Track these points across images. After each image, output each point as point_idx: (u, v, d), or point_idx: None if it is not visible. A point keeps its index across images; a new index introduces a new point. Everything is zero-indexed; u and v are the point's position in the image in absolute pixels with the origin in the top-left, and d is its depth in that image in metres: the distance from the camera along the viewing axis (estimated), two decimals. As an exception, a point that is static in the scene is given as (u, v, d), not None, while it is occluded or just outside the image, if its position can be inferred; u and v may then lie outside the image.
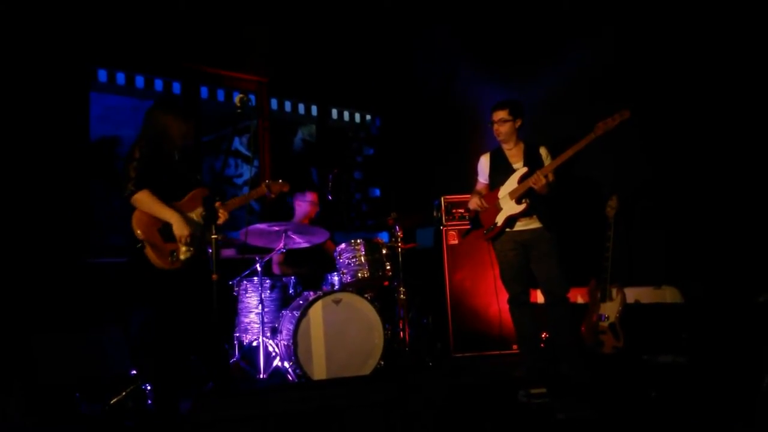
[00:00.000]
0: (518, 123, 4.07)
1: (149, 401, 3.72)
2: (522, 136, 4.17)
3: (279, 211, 5.60)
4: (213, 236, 2.98)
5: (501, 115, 4.04)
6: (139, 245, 3.17)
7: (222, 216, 3.35)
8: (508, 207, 3.99)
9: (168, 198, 3.26)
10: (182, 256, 3.19)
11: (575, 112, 5.00)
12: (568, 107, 5.21)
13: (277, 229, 4.32)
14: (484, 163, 4.26)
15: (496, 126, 4.07)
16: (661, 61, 4.58)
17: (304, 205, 5.24)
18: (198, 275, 3.21)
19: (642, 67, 4.69)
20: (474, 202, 4.14)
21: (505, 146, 4.15)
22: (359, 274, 4.42)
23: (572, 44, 5.23)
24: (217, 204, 3.38)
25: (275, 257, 4.89)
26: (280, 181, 3.95)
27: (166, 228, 3.20)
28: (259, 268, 4.42)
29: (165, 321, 3.26)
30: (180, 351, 3.37)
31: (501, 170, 4.11)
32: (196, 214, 3.31)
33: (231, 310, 4.59)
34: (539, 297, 4.21)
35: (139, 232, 3.15)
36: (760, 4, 4.03)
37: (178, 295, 3.23)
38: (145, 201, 3.17)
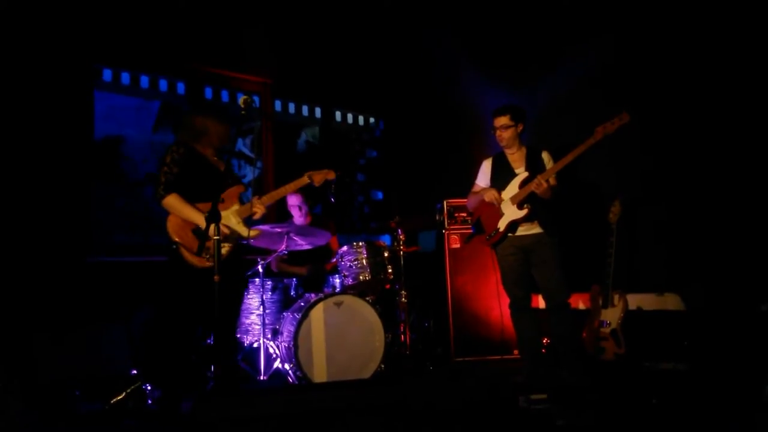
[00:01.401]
0: (520, 128, 4.06)
1: (149, 401, 3.73)
2: (524, 141, 4.16)
3: (281, 212, 5.60)
4: (215, 237, 2.96)
5: (503, 120, 4.02)
6: (174, 246, 3.30)
7: (259, 210, 3.45)
8: (510, 212, 3.98)
9: (203, 198, 3.32)
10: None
11: (578, 116, 4.99)
12: (570, 111, 5.21)
13: (279, 230, 4.32)
14: (485, 168, 4.25)
15: (498, 132, 4.06)
16: (663, 65, 4.57)
17: (293, 210, 5.21)
18: (233, 270, 3.31)
19: (644, 71, 4.69)
20: (491, 195, 4.03)
21: (507, 151, 4.14)
22: (361, 277, 4.42)
23: (574, 48, 5.23)
24: (255, 198, 3.49)
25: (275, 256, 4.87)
26: (325, 170, 3.79)
27: (199, 228, 3.27)
28: (260, 270, 4.42)
29: (193, 318, 3.36)
30: (196, 349, 3.41)
31: (503, 175, 4.10)
32: (231, 212, 3.39)
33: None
34: (541, 302, 4.20)
35: (174, 237, 3.29)
36: (760, 4, 4.03)
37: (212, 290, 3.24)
38: (173, 204, 3.30)
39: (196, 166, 3.39)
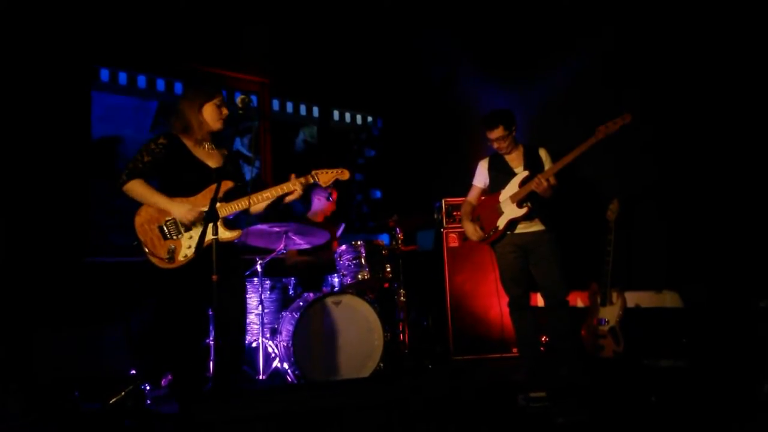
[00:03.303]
0: (514, 131, 4.06)
1: (148, 401, 3.73)
2: (519, 139, 4.16)
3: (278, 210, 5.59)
4: (213, 237, 2.91)
5: (498, 133, 4.00)
6: (135, 242, 3.13)
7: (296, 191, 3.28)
8: (510, 210, 3.98)
9: (181, 193, 3.18)
10: (181, 257, 3.10)
11: (576, 114, 5.00)
12: (569, 108, 5.21)
13: (277, 230, 4.32)
14: (482, 169, 4.24)
15: (496, 144, 4.06)
16: (663, 63, 4.57)
17: (324, 201, 5.22)
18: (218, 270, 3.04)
19: (644, 68, 4.68)
20: (471, 234, 4.12)
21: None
22: (359, 276, 4.42)
23: (572, 45, 5.22)
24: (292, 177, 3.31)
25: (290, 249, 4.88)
26: (340, 170, 3.39)
27: (167, 226, 3.14)
28: (259, 269, 4.42)
29: (170, 318, 3.20)
30: (196, 343, 3.30)
31: (502, 174, 4.10)
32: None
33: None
34: (539, 300, 4.21)
35: (138, 233, 3.13)
36: (760, 4, 4.03)
37: (187, 290, 3.12)
38: (136, 190, 3.14)
39: (177, 160, 3.20)
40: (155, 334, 4.48)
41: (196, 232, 3.13)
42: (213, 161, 3.31)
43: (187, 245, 3.12)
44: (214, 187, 3.09)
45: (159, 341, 4.32)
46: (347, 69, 6.62)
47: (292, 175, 3.32)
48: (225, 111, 3.27)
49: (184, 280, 3.11)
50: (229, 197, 3.23)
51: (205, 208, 3.04)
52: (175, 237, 3.14)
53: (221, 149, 3.42)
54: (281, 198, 3.34)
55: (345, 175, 3.41)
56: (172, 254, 3.09)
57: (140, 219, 3.15)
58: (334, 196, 5.24)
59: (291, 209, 5.27)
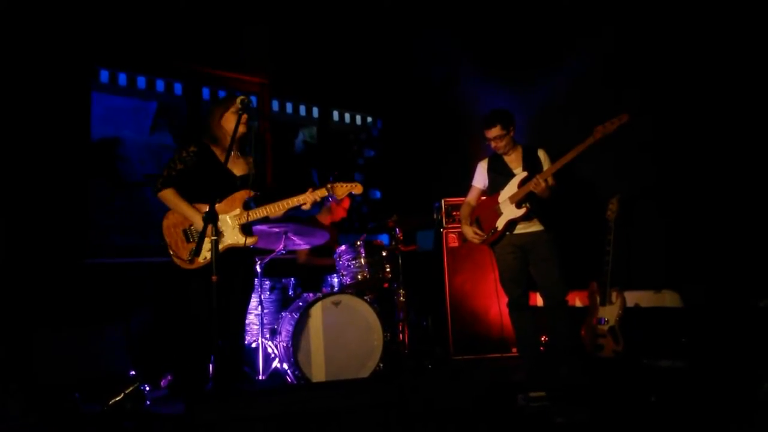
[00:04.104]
0: (512, 132, 4.06)
1: (148, 402, 3.73)
2: (518, 140, 4.17)
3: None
4: (213, 237, 2.96)
5: (495, 132, 4.01)
6: (162, 243, 3.33)
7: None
8: (509, 211, 3.99)
9: (206, 198, 3.27)
10: (201, 259, 3.22)
11: (577, 114, 4.99)
12: (569, 108, 5.21)
13: (277, 230, 4.32)
14: (481, 169, 4.25)
15: (494, 144, 4.06)
16: (662, 62, 4.57)
17: (336, 207, 5.26)
18: (230, 273, 3.28)
19: (643, 68, 4.69)
20: (470, 238, 4.14)
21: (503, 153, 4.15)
22: (359, 276, 4.42)
23: (572, 46, 5.22)
24: (309, 191, 3.45)
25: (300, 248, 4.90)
26: (354, 184, 3.50)
27: (190, 230, 3.32)
28: (258, 270, 4.42)
29: (190, 317, 3.35)
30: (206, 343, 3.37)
31: (501, 175, 4.11)
32: (230, 216, 3.35)
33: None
34: (539, 300, 4.21)
35: (164, 235, 3.33)
36: (760, 3, 4.03)
37: (204, 290, 3.17)
38: (169, 198, 3.32)
39: (206, 167, 3.36)
40: (160, 333, 4.53)
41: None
42: (238, 169, 3.45)
43: (207, 248, 3.21)
44: (236, 195, 3.36)
45: (166, 341, 4.39)
46: (347, 69, 6.62)
47: (310, 189, 3.45)
48: (245, 116, 3.33)
49: (203, 280, 3.17)
50: (250, 205, 3.39)
51: (224, 215, 3.30)
52: (194, 241, 3.27)
53: (247, 157, 3.54)
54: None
55: (358, 189, 3.53)
56: (193, 256, 3.23)
57: (167, 222, 3.35)
58: (347, 204, 5.30)
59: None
